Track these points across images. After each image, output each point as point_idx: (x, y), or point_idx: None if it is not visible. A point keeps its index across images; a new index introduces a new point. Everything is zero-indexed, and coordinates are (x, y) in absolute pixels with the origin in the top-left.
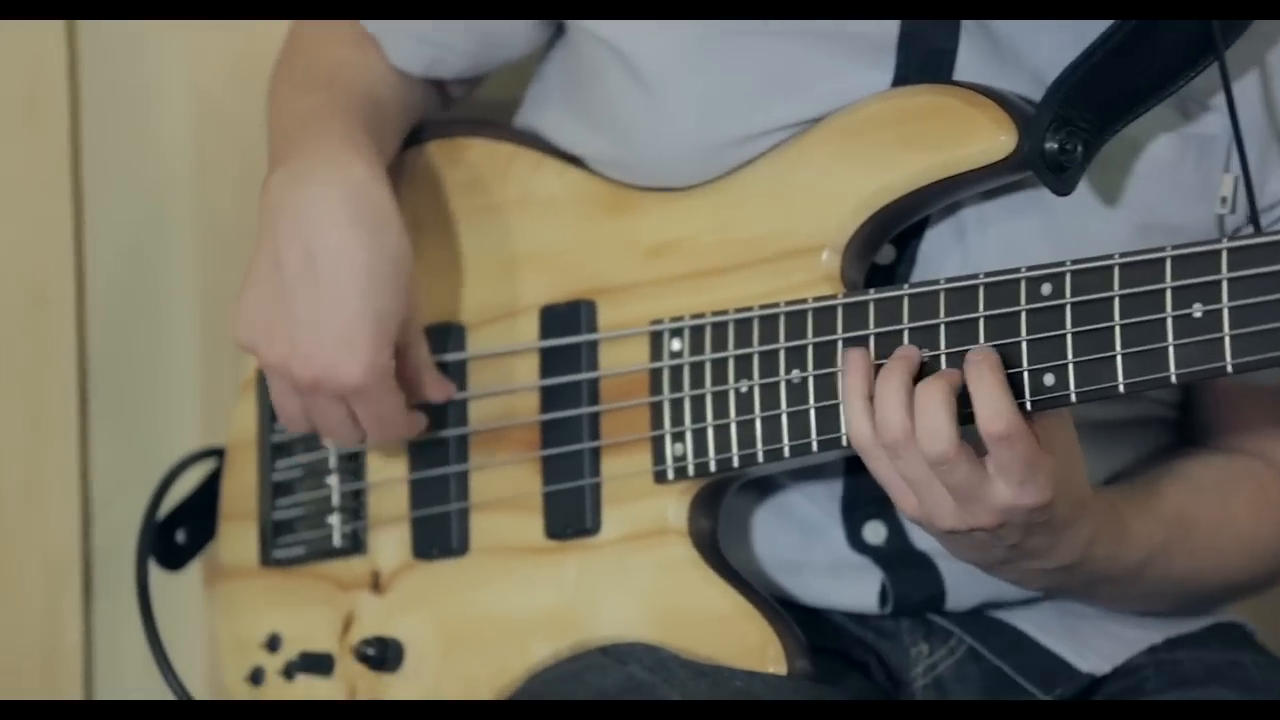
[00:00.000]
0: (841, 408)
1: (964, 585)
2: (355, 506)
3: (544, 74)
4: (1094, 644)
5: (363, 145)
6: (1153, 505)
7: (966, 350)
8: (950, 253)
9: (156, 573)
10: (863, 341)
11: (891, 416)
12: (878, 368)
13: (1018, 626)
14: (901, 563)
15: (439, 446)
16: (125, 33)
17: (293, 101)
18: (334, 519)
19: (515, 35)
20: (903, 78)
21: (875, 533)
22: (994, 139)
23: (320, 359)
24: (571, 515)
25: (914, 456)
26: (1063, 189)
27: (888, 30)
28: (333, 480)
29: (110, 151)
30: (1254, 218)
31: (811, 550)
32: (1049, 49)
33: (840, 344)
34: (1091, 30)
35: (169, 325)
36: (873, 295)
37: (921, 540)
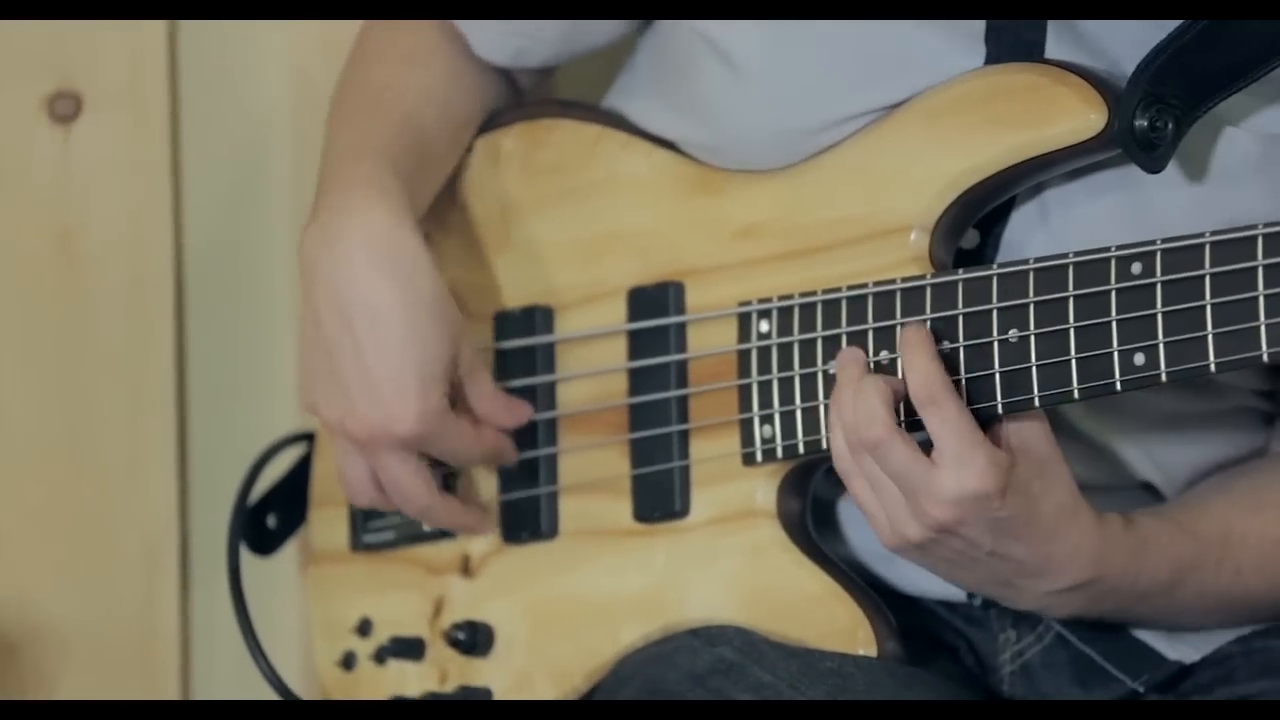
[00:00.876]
0: (835, 406)
1: None
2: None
3: (634, 64)
4: (1183, 633)
5: (389, 189)
6: (1188, 521)
7: (1057, 330)
8: (1034, 234)
9: (257, 560)
10: (952, 322)
11: (874, 407)
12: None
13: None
14: None
15: (528, 430)
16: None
17: (338, 129)
18: None
19: (604, 23)
20: (994, 59)
21: None
22: (1084, 117)
23: (374, 415)
24: (660, 498)
25: (856, 480)
26: (1154, 167)
27: (975, 22)
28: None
29: (209, 133)
30: None
31: None
32: (1132, 42)
33: (929, 324)
34: (1174, 21)
35: (266, 307)
36: (961, 275)
37: None
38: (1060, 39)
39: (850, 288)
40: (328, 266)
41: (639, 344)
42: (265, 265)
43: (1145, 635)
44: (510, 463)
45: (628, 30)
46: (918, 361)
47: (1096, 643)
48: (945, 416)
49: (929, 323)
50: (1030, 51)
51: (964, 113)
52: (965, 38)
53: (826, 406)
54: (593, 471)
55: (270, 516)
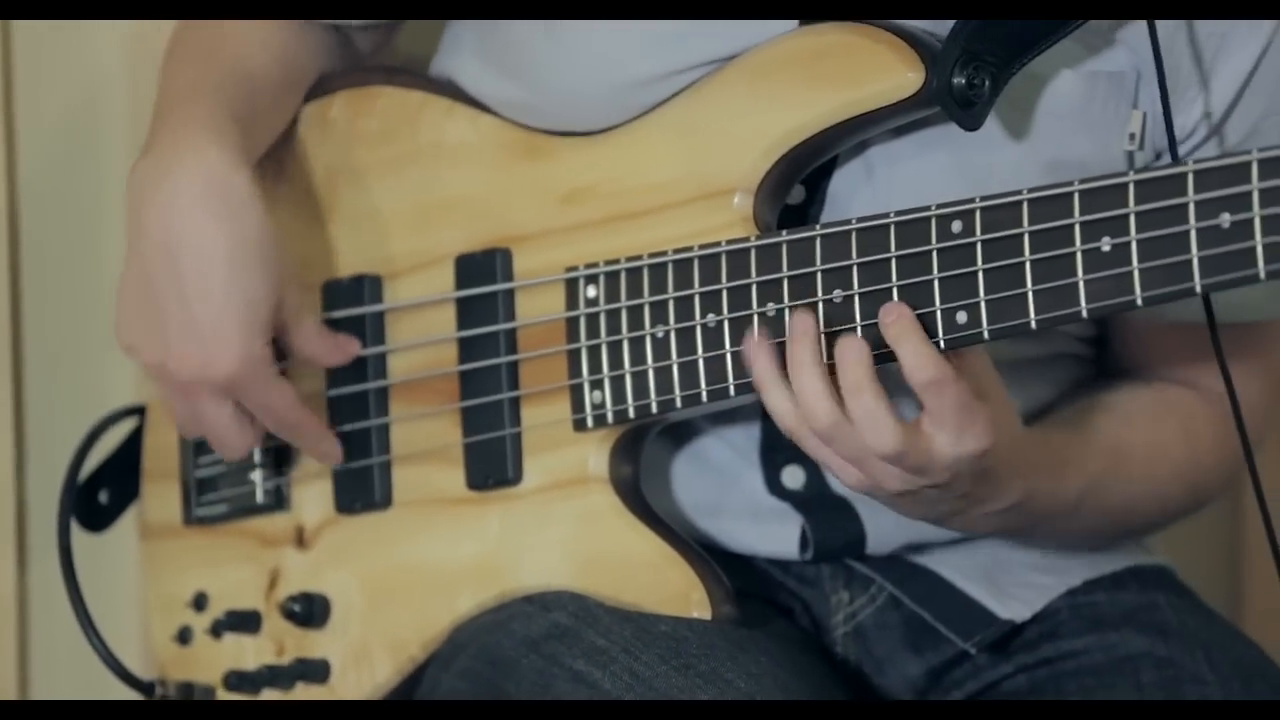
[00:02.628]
0: (765, 398)
1: (884, 529)
2: (277, 462)
3: (454, 31)
4: (1014, 590)
5: (223, 129)
6: (1087, 437)
7: (880, 290)
8: (859, 191)
9: (109, 534)
10: (776, 284)
11: (818, 406)
12: (780, 345)
13: (939, 572)
14: (821, 507)
15: (359, 400)
16: None
17: (173, 73)
18: (256, 475)
19: None
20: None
21: (794, 477)
22: (902, 75)
23: (194, 358)
24: (492, 466)
25: (850, 438)
26: (971, 124)
27: None
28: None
29: (41, 92)
30: (1172, 149)
31: (730, 496)
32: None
33: (754, 286)
34: None
35: (104, 274)
36: (785, 237)
37: (840, 484)
38: None
39: (676, 251)
40: (156, 202)
41: (468, 311)
42: (101, 231)
43: (977, 594)
44: (328, 457)
45: None
46: (915, 347)
47: (928, 603)
48: (946, 398)
49: (754, 286)
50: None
51: (785, 72)
52: None
53: (656, 370)
54: (425, 440)
55: (102, 492)
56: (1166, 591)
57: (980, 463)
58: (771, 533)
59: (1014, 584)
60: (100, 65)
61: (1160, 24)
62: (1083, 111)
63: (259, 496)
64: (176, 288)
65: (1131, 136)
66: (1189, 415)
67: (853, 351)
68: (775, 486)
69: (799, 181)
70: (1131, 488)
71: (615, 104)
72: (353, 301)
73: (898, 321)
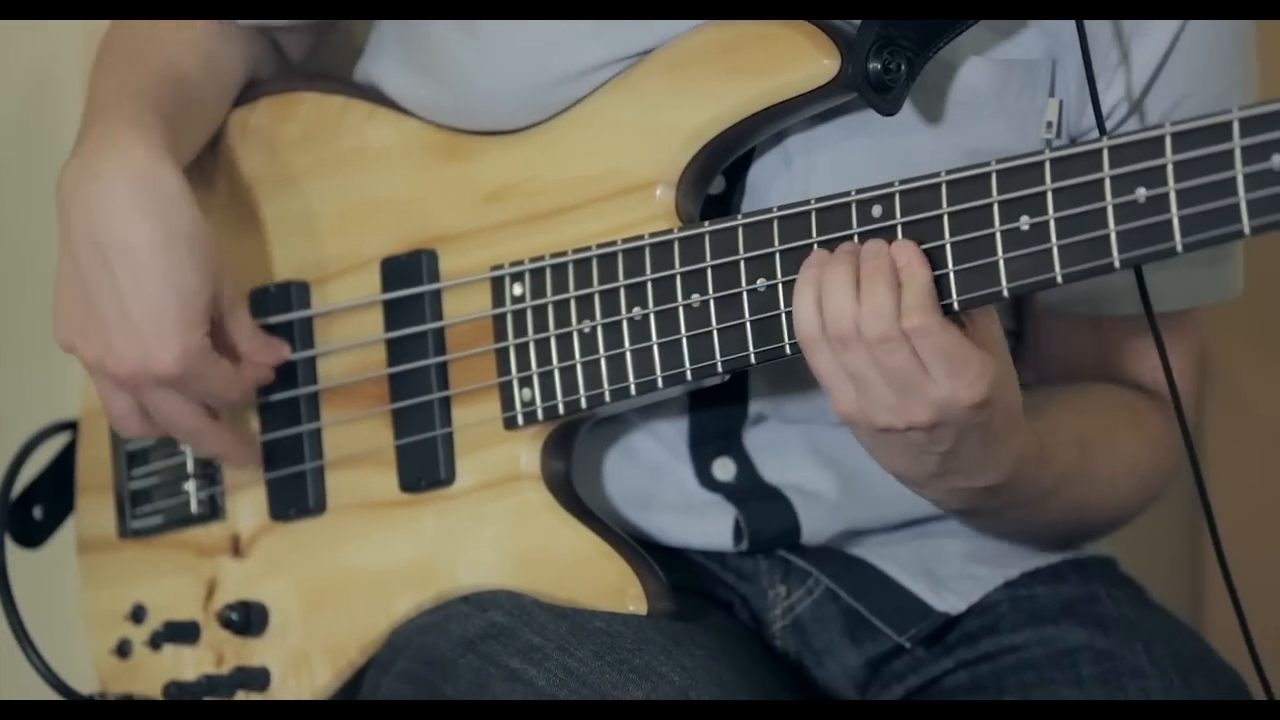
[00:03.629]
0: (796, 299)
1: (818, 517)
2: (211, 472)
3: (378, 23)
4: (951, 582)
5: (150, 127)
6: (1057, 428)
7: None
8: (778, 179)
9: (53, 549)
10: (701, 275)
11: (844, 305)
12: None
13: (875, 565)
14: (753, 496)
15: (289, 406)
16: None
17: (100, 78)
18: (190, 485)
19: None
20: None
21: (724, 469)
22: (817, 63)
23: (132, 352)
24: (425, 467)
25: (860, 346)
26: (888, 109)
27: None
28: (185, 447)
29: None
30: (1099, 121)
31: (662, 489)
32: None
33: (679, 278)
34: None
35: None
36: (708, 228)
37: (772, 473)
38: None
39: (600, 246)
40: (85, 202)
41: (395, 314)
42: (45, 239)
43: (913, 586)
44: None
45: None
46: (914, 286)
47: (864, 596)
48: (932, 342)
49: (679, 277)
50: None
51: (702, 64)
52: None
53: (583, 364)
54: (357, 444)
55: (36, 508)
56: (1106, 583)
57: (972, 415)
58: (704, 525)
59: (951, 576)
60: (53, 66)
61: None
62: (997, 99)
63: (194, 506)
64: (110, 284)
65: (1049, 124)
66: (1135, 409)
67: (883, 263)
68: (706, 479)
69: (720, 172)
70: (1096, 483)
71: (536, 102)
72: (281, 308)
73: (912, 259)
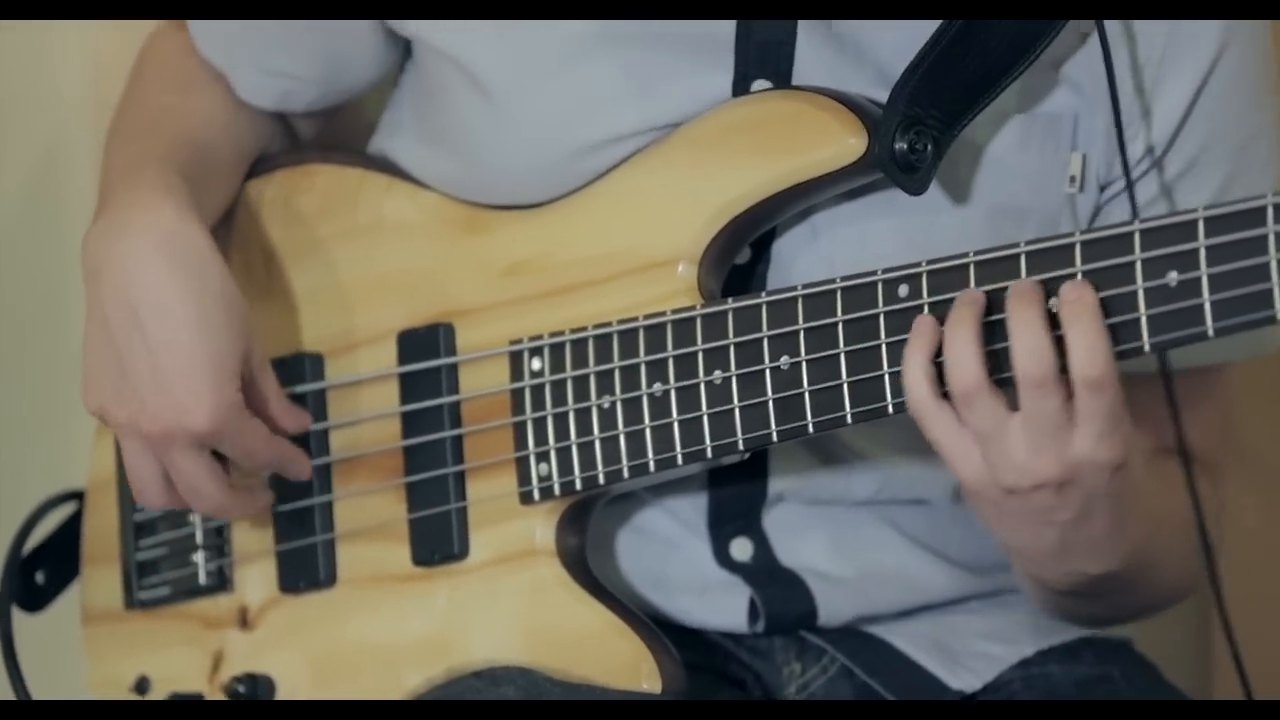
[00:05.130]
0: (906, 365)
1: (836, 601)
2: (219, 543)
3: (396, 100)
4: (966, 660)
5: (175, 188)
6: (1145, 502)
7: (827, 355)
8: (804, 252)
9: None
10: (723, 352)
11: (968, 361)
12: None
13: (891, 642)
14: (770, 580)
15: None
16: None
17: (116, 151)
18: (198, 557)
19: (362, 59)
20: (742, 75)
21: (742, 549)
22: (844, 142)
23: (167, 410)
24: (438, 541)
25: (986, 404)
26: (915, 189)
27: (723, 28)
28: (195, 518)
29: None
30: (1127, 177)
31: (678, 568)
32: (889, 41)
33: (701, 354)
34: (929, 22)
35: (63, 343)
36: (731, 305)
37: (789, 557)
38: (810, 38)
39: (620, 322)
40: (115, 262)
41: (411, 387)
42: (61, 298)
43: (928, 664)
44: (301, 475)
45: (389, 64)
46: (1090, 332)
47: (879, 674)
48: (1103, 401)
49: (700, 354)
50: (780, 53)
51: (726, 143)
52: (713, 49)
53: (602, 440)
54: (370, 517)
55: (39, 573)
56: (1122, 664)
57: (1106, 480)
58: (720, 605)
59: (966, 654)
60: (62, 129)
61: (1094, 64)
62: (1020, 155)
63: (201, 578)
64: (143, 342)
65: (1072, 179)
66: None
67: (1031, 299)
68: (724, 559)
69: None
70: (1172, 556)
71: (556, 175)
72: (294, 379)
73: (1079, 300)
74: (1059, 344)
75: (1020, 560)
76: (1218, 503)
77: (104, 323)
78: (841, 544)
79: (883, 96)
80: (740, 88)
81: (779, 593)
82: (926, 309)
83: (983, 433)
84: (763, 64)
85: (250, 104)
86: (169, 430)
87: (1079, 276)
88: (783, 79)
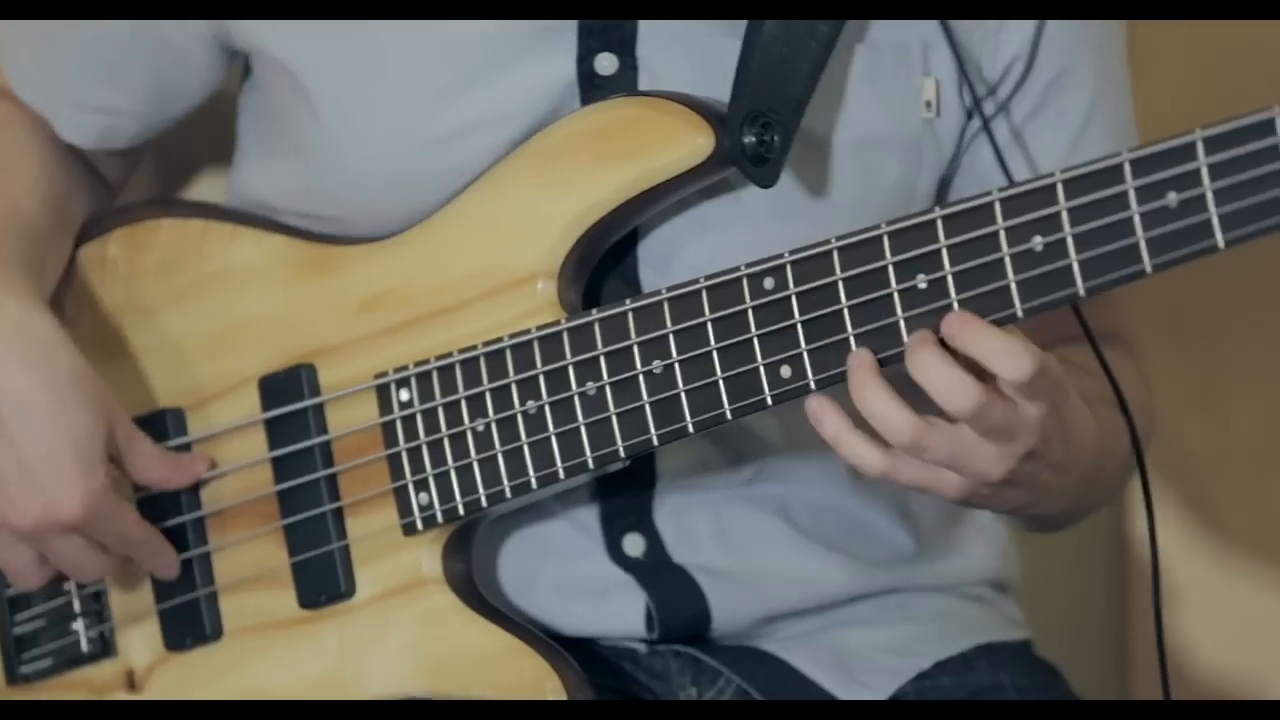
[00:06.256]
0: (845, 455)
1: (729, 601)
2: (98, 608)
3: (241, 127)
4: (863, 676)
5: (12, 279)
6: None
7: (699, 354)
8: (681, 251)
9: None
10: (594, 363)
11: (896, 420)
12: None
13: (787, 660)
14: (663, 580)
15: (175, 534)
16: None
17: None
18: (78, 625)
19: (189, 83)
20: (586, 50)
21: (634, 545)
22: (692, 142)
23: (35, 503)
24: (323, 582)
25: (938, 437)
26: (767, 181)
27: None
28: (70, 585)
29: None
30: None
31: (572, 572)
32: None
33: (571, 368)
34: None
35: None
36: (596, 316)
37: (680, 553)
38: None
39: (486, 344)
40: None
41: (278, 431)
42: None
43: (825, 681)
44: (170, 571)
45: (216, 82)
46: (1002, 343)
47: (776, 693)
48: (1050, 381)
49: (570, 367)
50: (623, 30)
51: (573, 154)
52: (557, 31)
53: (480, 462)
54: (250, 566)
55: None
56: (1015, 671)
57: (1056, 416)
58: (616, 610)
59: (864, 669)
60: None
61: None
62: (869, 84)
63: (84, 646)
64: (4, 439)
65: (928, 104)
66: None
67: (919, 347)
68: (617, 553)
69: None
70: (1119, 439)
71: (410, 174)
72: (157, 436)
73: (966, 325)
74: (957, 357)
75: (1028, 514)
76: (1140, 373)
77: None
78: (730, 536)
79: (733, 43)
80: (584, 63)
81: (672, 595)
82: (795, 302)
83: (945, 459)
84: (605, 37)
85: (73, 144)
86: (38, 522)
87: (943, 252)
88: (627, 47)
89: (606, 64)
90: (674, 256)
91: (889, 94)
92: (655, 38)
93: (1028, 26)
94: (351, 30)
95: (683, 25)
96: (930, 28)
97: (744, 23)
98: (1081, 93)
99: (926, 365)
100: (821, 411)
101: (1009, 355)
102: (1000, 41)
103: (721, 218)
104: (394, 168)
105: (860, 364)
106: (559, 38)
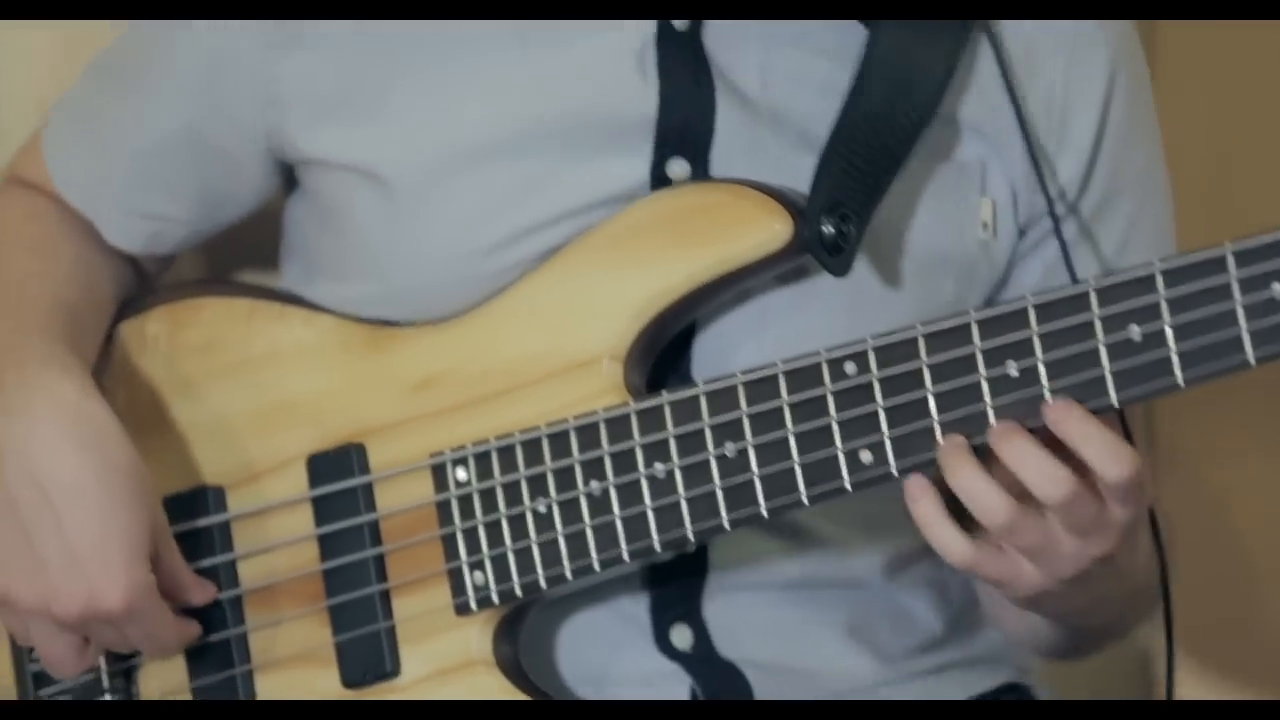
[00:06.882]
0: (932, 540)
1: (771, 692)
2: (126, 686)
3: (287, 244)
4: None
5: (68, 364)
6: None
7: (775, 439)
8: (746, 340)
9: None
10: (663, 445)
11: (993, 499)
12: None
13: None
14: (710, 671)
15: (212, 612)
16: None
17: None
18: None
19: (241, 192)
20: (660, 156)
21: (682, 638)
22: (770, 228)
23: (81, 592)
24: (369, 661)
25: (1028, 524)
26: (841, 270)
27: (643, 109)
28: (100, 662)
29: None
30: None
31: (619, 661)
32: (804, 106)
33: (639, 449)
34: (842, 89)
35: None
36: (667, 397)
37: (727, 648)
38: (728, 113)
39: (549, 425)
40: (19, 442)
41: (325, 510)
42: None
43: None
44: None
45: (267, 191)
46: (1107, 439)
47: None
48: (1146, 489)
49: (639, 448)
50: (698, 131)
51: (647, 237)
52: (629, 132)
53: (540, 544)
54: (291, 644)
55: None
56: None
57: (1131, 525)
58: (661, 695)
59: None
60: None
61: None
62: (933, 203)
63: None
64: (53, 523)
65: (984, 225)
66: None
67: (1011, 434)
68: (665, 644)
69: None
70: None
71: (468, 275)
72: (195, 513)
73: (1072, 415)
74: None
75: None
76: None
77: (10, 506)
78: (777, 632)
79: (805, 159)
80: (658, 169)
81: (718, 686)
82: (878, 388)
83: (1031, 546)
84: (681, 143)
85: (117, 248)
86: (83, 612)
87: (1035, 340)
88: (700, 155)
89: (679, 170)
90: (732, 351)
91: (950, 209)
92: (729, 146)
93: (1086, 138)
94: (429, 126)
95: (757, 138)
96: (988, 146)
97: (819, 139)
98: (1132, 188)
99: (1023, 451)
100: (921, 493)
101: (1112, 456)
102: (1057, 165)
103: (782, 309)
104: (456, 267)
105: (955, 445)
106: (635, 139)
